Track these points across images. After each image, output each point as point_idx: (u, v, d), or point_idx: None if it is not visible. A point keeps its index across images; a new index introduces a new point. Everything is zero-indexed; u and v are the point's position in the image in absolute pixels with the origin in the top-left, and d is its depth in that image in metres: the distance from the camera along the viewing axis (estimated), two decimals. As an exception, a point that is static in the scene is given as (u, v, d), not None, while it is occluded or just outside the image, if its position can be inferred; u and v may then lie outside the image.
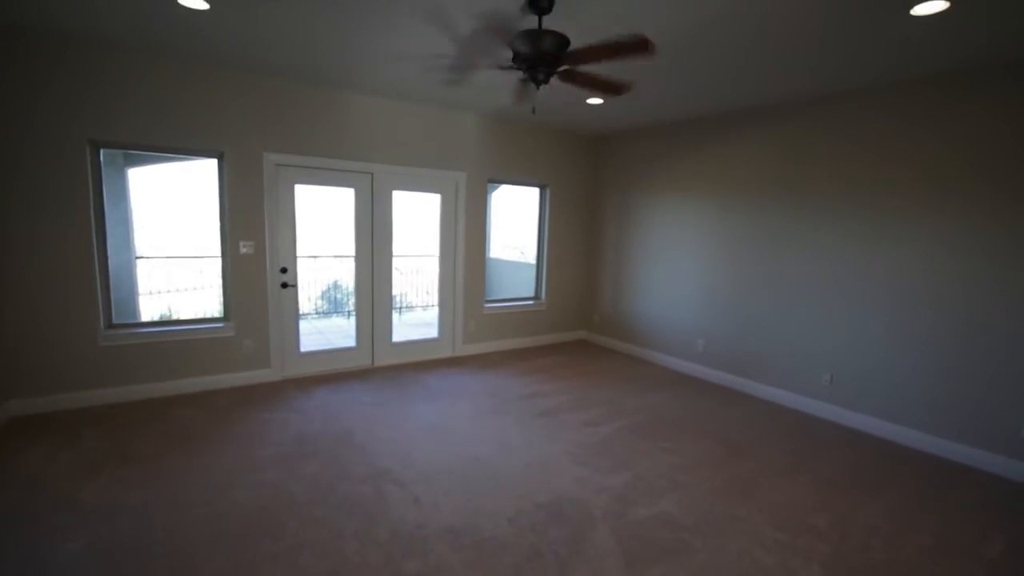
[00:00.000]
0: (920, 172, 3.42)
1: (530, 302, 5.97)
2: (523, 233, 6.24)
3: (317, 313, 4.94)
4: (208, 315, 4.19)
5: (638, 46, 2.29)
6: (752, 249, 4.46)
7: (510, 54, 2.71)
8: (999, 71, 3.05)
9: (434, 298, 5.37)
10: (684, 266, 5.08)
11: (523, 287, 6.12)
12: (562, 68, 2.57)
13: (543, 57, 2.47)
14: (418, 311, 5.46)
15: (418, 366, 5.00)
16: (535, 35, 2.44)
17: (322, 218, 4.62)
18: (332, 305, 5.17)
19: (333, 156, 4.37)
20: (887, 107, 3.55)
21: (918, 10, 2.38)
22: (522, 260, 6.40)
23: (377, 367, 4.91)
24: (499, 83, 3.82)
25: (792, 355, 4.21)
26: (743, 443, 3.48)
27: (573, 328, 6.35)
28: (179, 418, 3.53)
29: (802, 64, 3.22)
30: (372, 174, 4.61)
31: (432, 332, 5.34)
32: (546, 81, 2.57)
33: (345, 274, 4.90)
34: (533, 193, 5.94)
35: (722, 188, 4.69)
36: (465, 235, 5.27)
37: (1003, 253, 3.09)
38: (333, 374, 4.64)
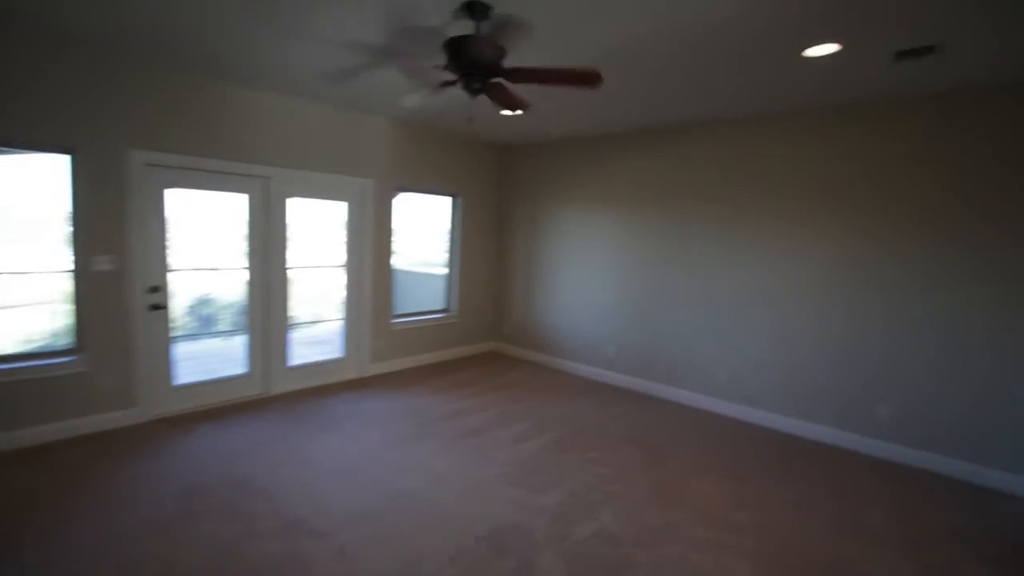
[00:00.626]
0: (801, 192, 3.88)
1: (440, 315, 5.76)
2: (427, 243, 6.01)
3: (187, 335, 4.21)
4: (40, 340, 3.37)
5: (589, 78, 2.28)
6: (660, 259, 4.74)
7: (442, 57, 2.54)
8: (888, 103, 3.57)
9: (328, 312, 4.93)
10: (594, 276, 5.25)
11: (430, 299, 5.89)
12: (495, 80, 2.46)
13: (482, 66, 2.35)
14: (312, 327, 4.95)
15: (322, 391, 4.54)
16: (477, 42, 2.31)
17: (205, 227, 4.00)
18: (202, 323, 4.48)
19: (221, 157, 3.80)
20: (788, 131, 3.99)
21: (810, 52, 2.69)
22: (427, 271, 6.17)
23: (273, 395, 4.35)
24: (412, 86, 3.61)
25: (696, 358, 4.53)
26: (661, 447, 3.65)
27: (484, 340, 6.26)
28: (10, 484, 2.77)
29: (710, 94, 3.48)
30: (269, 178, 4.10)
31: (333, 351, 4.89)
32: (481, 91, 2.45)
33: (219, 286, 4.28)
34: (437, 202, 5.74)
35: (631, 201, 4.92)
36: (373, 246, 4.91)
37: (871, 263, 3.61)
38: (219, 408, 4.02)
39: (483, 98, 3.29)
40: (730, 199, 4.23)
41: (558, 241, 5.56)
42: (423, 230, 5.88)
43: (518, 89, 3.30)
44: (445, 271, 5.90)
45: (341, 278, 4.84)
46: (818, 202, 3.78)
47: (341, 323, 4.91)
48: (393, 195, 5.05)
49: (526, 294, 5.95)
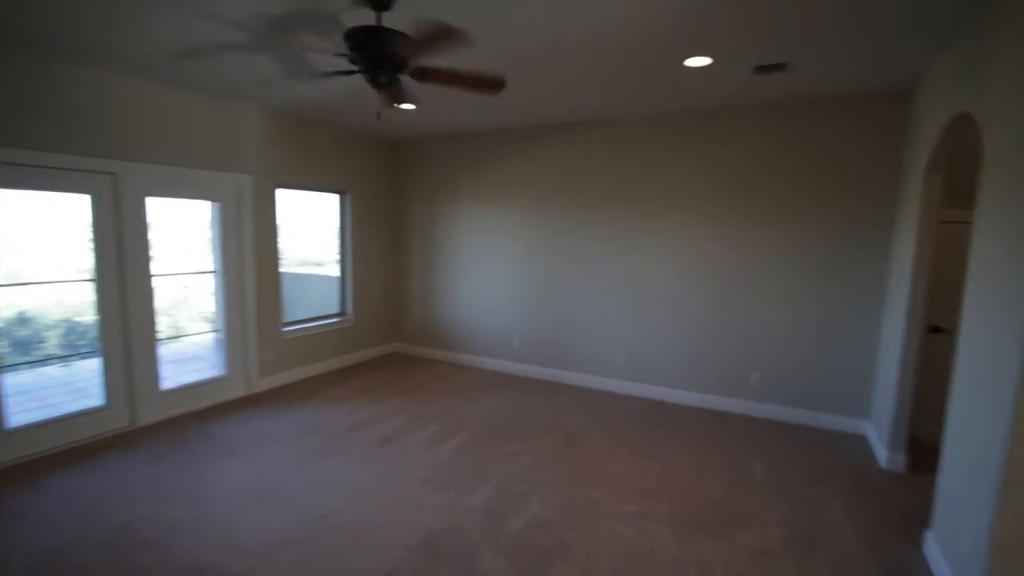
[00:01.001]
0: (685, 187, 4.30)
1: (335, 319, 5.41)
2: (318, 242, 5.61)
3: (13, 365, 3.39)
4: None
5: (493, 84, 2.28)
6: (557, 251, 4.94)
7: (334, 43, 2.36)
8: (751, 110, 4.05)
9: (196, 325, 4.39)
10: (495, 269, 5.31)
11: (324, 303, 5.50)
12: (403, 74, 2.36)
13: (389, 59, 2.23)
14: (178, 343, 4.34)
15: (206, 415, 4.01)
16: (382, 33, 2.18)
17: (40, 233, 3.29)
18: (32, 349, 3.69)
19: (49, 150, 3.13)
20: (672, 132, 4.35)
21: (689, 63, 2.98)
22: (319, 272, 5.75)
23: (144, 426, 3.75)
24: (291, 68, 3.31)
25: (595, 343, 4.82)
26: (573, 431, 3.83)
27: (384, 341, 6.01)
28: None
29: (604, 95, 3.69)
30: (116, 175, 3.47)
31: (211, 369, 4.34)
32: (389, 86, 2.32)
33: (62, 303, 3.58)
34: (325, 198, 5.35)
35: (530, 195, 5.04)
36: (255, 248, 4.44)
37: (744, 254, 4.12)
38: (73, 449, 3.35)
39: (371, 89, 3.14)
40: (624, 194, 4.55)
41: (457, 235, 5.52)
42: (313, 229, 5.46)
43: (415, 85, 3.20)
44: (337, 272, 5.54)
45: (214, 285, 4.30)
46: (700, 197, 4.23)
47: (216, 336, 4.36)
48: (274, 192, 4.60)
49: (426, 291, 5.83)
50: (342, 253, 5.49)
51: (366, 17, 2.38)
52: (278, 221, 4.65)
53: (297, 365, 4.94)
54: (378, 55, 2.22)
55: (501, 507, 2.76)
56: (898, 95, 3.50)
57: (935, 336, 3.42)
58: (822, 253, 3.82)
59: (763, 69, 3.11)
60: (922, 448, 3.43)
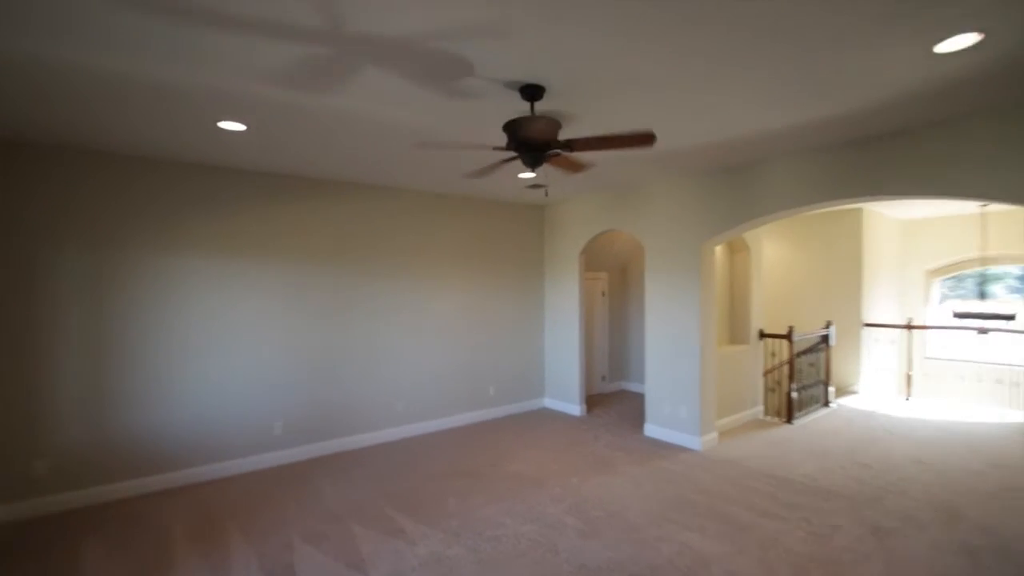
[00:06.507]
0: (438, 255, 5.32)
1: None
2: None
3: None
4: None
5: (644, 139, 2.93)
6: (319, 315, 4.59)
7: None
8: (482, 202, 5.52)
9: None
10: (237, 346, 4.14)
11: None
12: (552, 152, 2.69)
13: (543, 143, 2.60)
14: None
15: None
16: (536, 121, 2.54)
17: None
18: None
19: None
20: (440, 207, 5.17)
21: (521, 175, 4.45)
22: None
23: None
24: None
25: (372, 399, 4.87)
26: (455, 474, 4.17)
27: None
28: None
29: (426, 173, 4.32)
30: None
31: None
32: (541, 164, 2.63)
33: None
34: None
35: (288, 257, 4.39)
36: None
37: (473, 303, 5.62)
38: None
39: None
40: (382, 254, 4.99)
41: (167, 305, 3.86)
42: None
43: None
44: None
45: None
46: (449, 262, 5.41)
47: None
48: None
49: (101, 395, 3.60)
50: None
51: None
52: None
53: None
54: (528, 141, 2.57)
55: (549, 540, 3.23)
56: (538, 207, 6.24)
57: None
58: (513, 301, 6.02)
59: (533, 186, 5.01)
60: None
